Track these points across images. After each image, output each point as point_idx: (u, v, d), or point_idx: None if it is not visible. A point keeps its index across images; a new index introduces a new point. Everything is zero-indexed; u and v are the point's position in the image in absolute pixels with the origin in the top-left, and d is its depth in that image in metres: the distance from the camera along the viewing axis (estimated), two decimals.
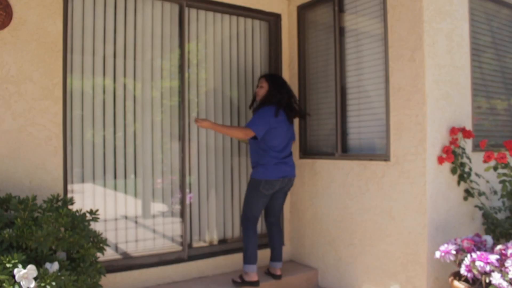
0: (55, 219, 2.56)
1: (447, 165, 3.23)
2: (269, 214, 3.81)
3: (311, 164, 4.12)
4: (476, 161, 3.39)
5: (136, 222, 3.71)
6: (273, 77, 3.81)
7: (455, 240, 2.96)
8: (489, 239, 3.00)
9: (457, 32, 3.39)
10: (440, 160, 3.14)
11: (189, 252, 3.83)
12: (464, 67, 3.44)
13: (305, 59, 4.29)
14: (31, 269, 2.24)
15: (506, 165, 3.24)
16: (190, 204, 3.94)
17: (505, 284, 2.53)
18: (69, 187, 3.30)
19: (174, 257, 3.75)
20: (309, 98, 4.25)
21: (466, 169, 3.27)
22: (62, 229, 2.62)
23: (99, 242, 2.79)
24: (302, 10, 4.30)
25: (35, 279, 2.26)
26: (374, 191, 3.47)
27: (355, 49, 3.77)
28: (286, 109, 3.67)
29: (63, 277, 2.34)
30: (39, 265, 2.41)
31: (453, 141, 3.20)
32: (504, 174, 3.28)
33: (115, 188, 3.61)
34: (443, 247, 2.88)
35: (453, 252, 2.82)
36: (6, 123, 2.99)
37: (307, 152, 4.25)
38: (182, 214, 3.84)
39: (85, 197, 3.44)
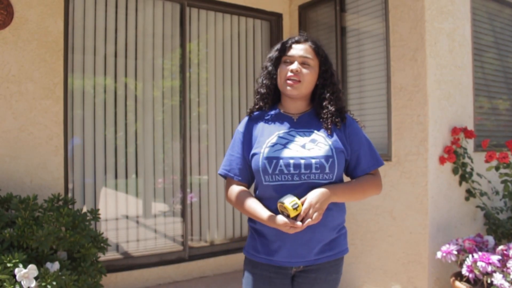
0: (56, 219, 2.56)
1: (448, 165, 3.22)
2: None
3: None
4: (478, 161, 3.38)
5: (137, 222, 3.71)
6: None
7: (457, 240, 2.95)
8: (490, 239, 2.99)
9: (459, 32, 3.38)
10: (442, 160, 3.13)
11: (190, 252, 3.83)
12: (466, 67, 3.43)
13: None
14: (32, 269, 2.24)
15: (508, 165, 3.23)
16: (191, 204, 3.94)
17: (506, 284, 2.52)
18: (70, 186, 3.30)
19: (175, 257, 3.75)
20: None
21: (468, 169, 3.26)
22: (63, 228, 2.62)
23: (100, 242, 2.79)
24: (303, 10, 4.29)
25: (35, 278, 2.26)
26: None
27: (357, 49, 3.76)
28: None
29: (63, 277, 2.34)
30: (40, 264, 2.41)
31: (455, 141, 3.19)
32: (506, 174, 3.27)
33: (116, 188, 3.60)
34: (444, 248, 2.87)
35: (455, 252, 2.82)
36: (7, 123, 2.99)
37: None
38: (183, 214, 3.83)
39: (86, 196, 3.44)
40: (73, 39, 3.38)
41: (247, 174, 1.71)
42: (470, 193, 3.32)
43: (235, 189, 1.70)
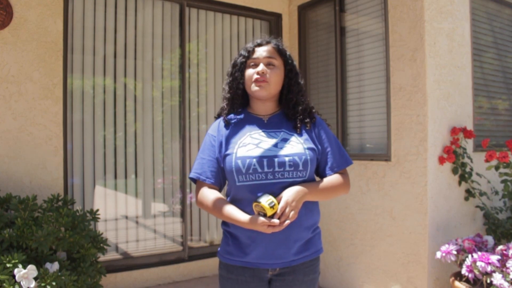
0: (55, 219, 2.55)
1: (448, 165, 3.22)
2: None
3: None
4: (477, 161, 3.38)
5: (136, 222, 3.71)
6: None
7: (456, 240, 2.95)
8: (490, 239, 3.00)
9: (458, 32, 3.38)
10: (441, 160, 3.13)
11: (189, 252, 3.83)
12: (465, 67, 3.43)
13: (305, 59, 4.29)
14: (31, 269, 2.24)
15: (508, 165, 3.23)
16: (191, 204, 3.94)
17: (506, 284, 2.52)
18: (69, 187, 3.29)
19: (175, 257, 3.75)
20: (309, 98, 4.25)
21: (467, 169, 3.26)
22: (63, 229, 2.62)
23: (99, 242, 2.79)
24: (303, 10, 4.29)
25: (35, 279, 2.26)
26: (375, 191, 3.46)
27: (356, 49, 3.76)
28: None
29: (63, 277, 2.34)
30: (39, 265, 2.41)
31: (454, 141, 3.19)
32: (506, 174, 3.27)
33: (116, 188, 3.60)
34: (444, 247, 2.87)
35: (454, 252, 2.82)
36: (6, 123, 2.99)
37: None
38: (182, 214, 3.83)
39: (86, 197, 3.43)
40: (73, 39, 3.38)
41: (219, 177, 1.70)
42: (469, 193, 3.32)
43: (208, 192, 1.67)
